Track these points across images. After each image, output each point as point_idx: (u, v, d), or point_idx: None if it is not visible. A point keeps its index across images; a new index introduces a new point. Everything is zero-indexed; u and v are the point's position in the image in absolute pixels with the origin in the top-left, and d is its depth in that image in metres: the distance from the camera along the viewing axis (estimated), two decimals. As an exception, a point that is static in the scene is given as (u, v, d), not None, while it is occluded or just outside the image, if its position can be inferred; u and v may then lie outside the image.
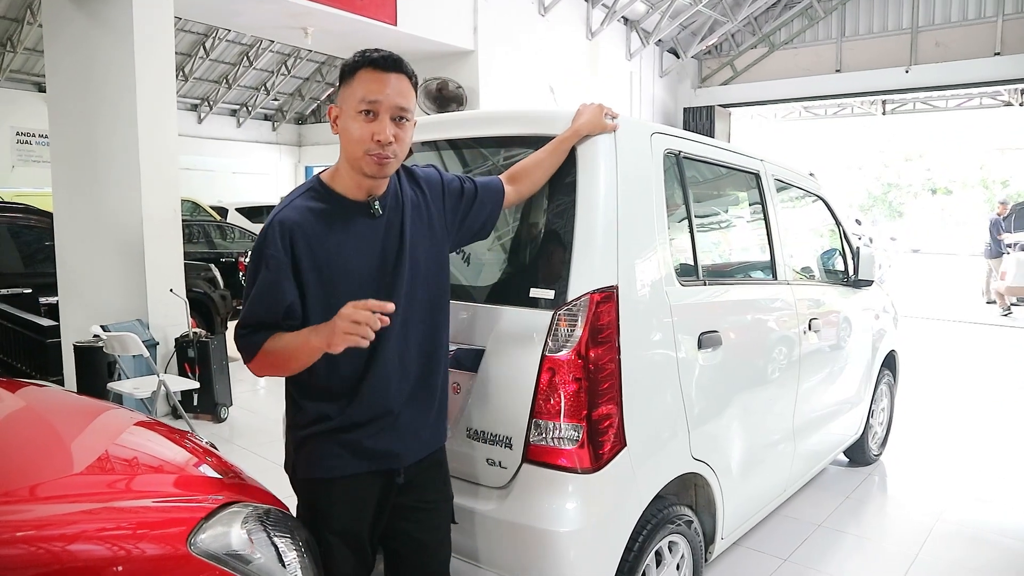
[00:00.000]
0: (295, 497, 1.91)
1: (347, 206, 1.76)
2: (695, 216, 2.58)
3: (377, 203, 1.78)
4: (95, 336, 4.74)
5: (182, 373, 5.32)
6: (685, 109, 14.51)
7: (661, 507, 2.28)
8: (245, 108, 21.35)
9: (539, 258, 2.20)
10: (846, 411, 3.90)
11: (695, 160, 2.65)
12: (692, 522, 2.45)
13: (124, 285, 5.50)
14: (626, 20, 12.45)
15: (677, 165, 2.51)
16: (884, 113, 16.99)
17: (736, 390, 2.71)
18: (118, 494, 1.59)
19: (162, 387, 4.54)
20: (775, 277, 3.12)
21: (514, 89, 9.25)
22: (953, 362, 8.02)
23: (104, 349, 4.65)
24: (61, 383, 5.07)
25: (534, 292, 2.11)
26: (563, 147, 2.15)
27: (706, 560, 2.62)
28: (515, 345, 2.12)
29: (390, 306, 1.60)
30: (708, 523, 2.63)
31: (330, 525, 1.82)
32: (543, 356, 2.04)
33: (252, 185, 21.04)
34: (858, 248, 3.96)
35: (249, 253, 1.63)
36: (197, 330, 5.57)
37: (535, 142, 2.20)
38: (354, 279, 1.74)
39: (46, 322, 4.92)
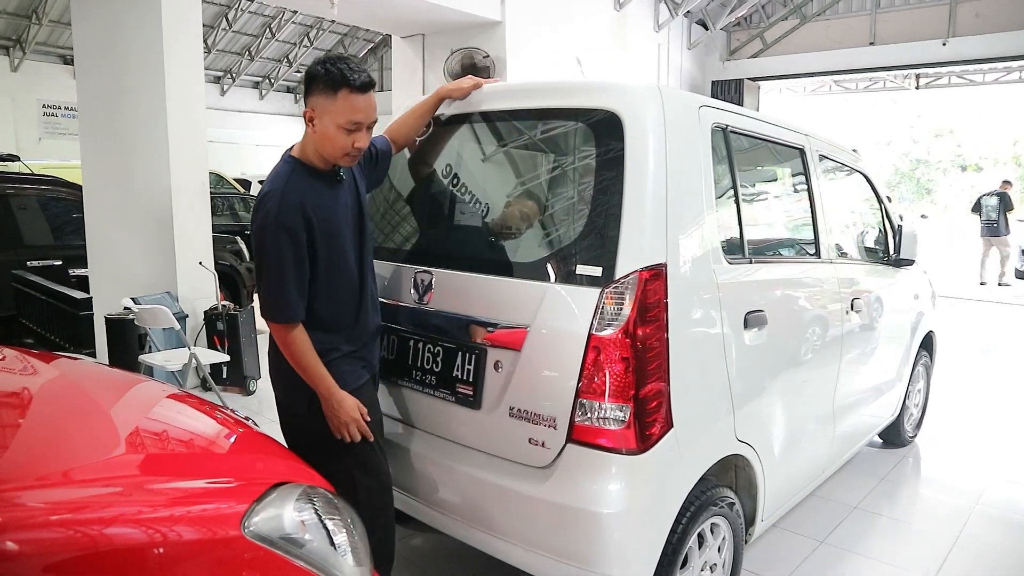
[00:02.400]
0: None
1: (323, 177, 2.15)
2: (741, 192, 2.50)
3: (341, 171, 2.18)
4: (125, 308, 4.76)
5: (211, 346, 5.33)
6: (713, 82, 14.18)
7: (704, 489, 2.24)
8: (268, 80, 21.28)
9: (586, 234, 2.14)
10: (884, 392, 3.82)
11: (741, 134, 2.57)
12: (734, 504, 2.40)
13: (153, 258, 5.51)
14: (654, -9, 12.16)
15: (724, 139, 2.43)
16: (918, 87, 16.57)
17: (780, 370, 2.65)
18: (163, 475, 1.53)
19: (193, 360, 4.56)
20: (819, 255, 3.04)
21: (541, 61, 9.08)
22: (986, 342, 7.86)
23: (135, 322, 4.66)
24: (93, 355, 5.10)
25: (580, 269, 2.06)
26: (427, 107, 2.50)
27: (746, 542, 2.58)
28: (560, 323, 2.07)
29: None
30: (748, 504, 2.59)
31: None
32: (589, 335, 1.99)
33: (275, 157, 20.75)
34: (900, 226, 3.84)
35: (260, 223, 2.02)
36: (226, 303, 5.57)
37: (571, 115, 2.26)
38: (342, 234, 2.15)
39: (79, 295, 4.93)
